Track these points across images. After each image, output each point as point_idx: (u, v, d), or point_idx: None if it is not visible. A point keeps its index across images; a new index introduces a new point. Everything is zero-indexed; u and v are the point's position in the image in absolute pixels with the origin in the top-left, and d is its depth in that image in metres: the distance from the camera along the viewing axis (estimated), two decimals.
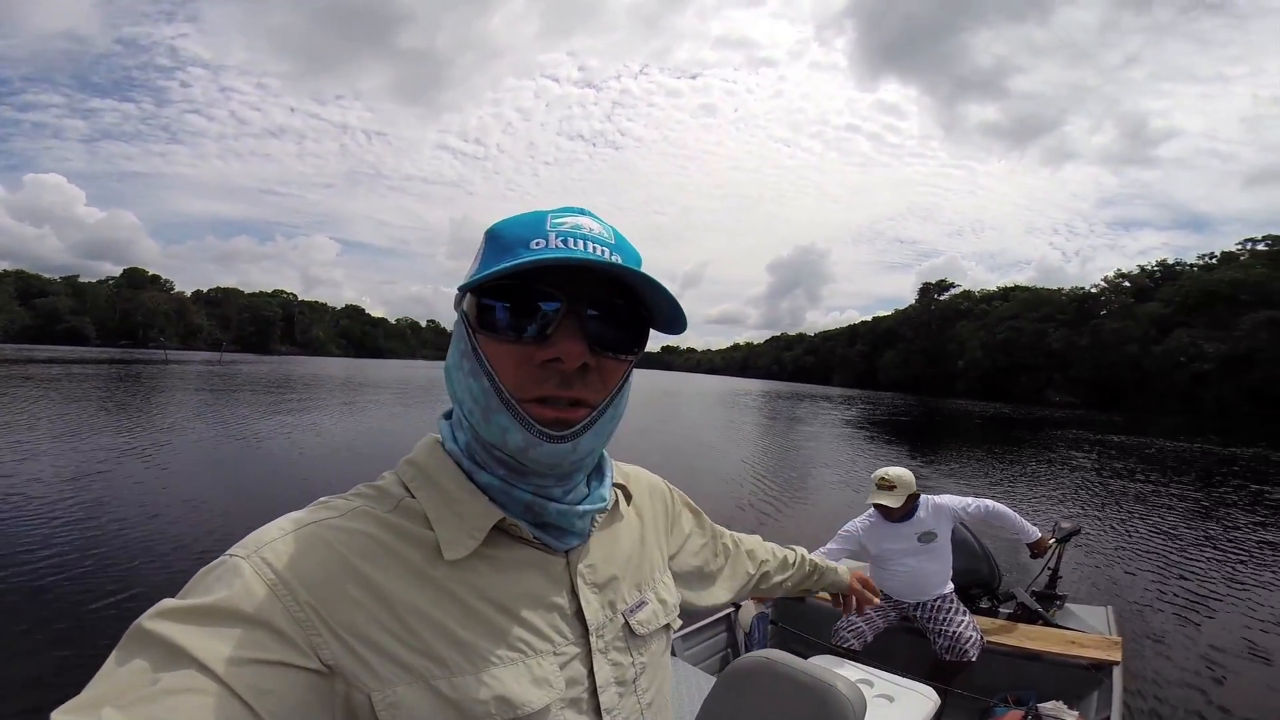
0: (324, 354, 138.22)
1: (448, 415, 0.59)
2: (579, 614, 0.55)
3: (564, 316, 0.49)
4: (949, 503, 3.03)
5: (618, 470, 0.67)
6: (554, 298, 0.49)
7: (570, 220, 0.52)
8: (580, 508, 0.55)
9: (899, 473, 2.99)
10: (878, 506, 2.97)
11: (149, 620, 0.41)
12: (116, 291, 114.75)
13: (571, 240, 0.50)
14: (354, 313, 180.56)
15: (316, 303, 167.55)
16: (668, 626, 0.65)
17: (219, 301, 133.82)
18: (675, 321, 0.54)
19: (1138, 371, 55.29)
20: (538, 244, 0.49)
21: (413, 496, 0.53)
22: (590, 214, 0.54)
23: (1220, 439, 23.74)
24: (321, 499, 0.53)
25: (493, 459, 0.53)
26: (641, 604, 0.62)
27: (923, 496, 3.04)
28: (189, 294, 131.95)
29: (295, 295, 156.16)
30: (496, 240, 0.52)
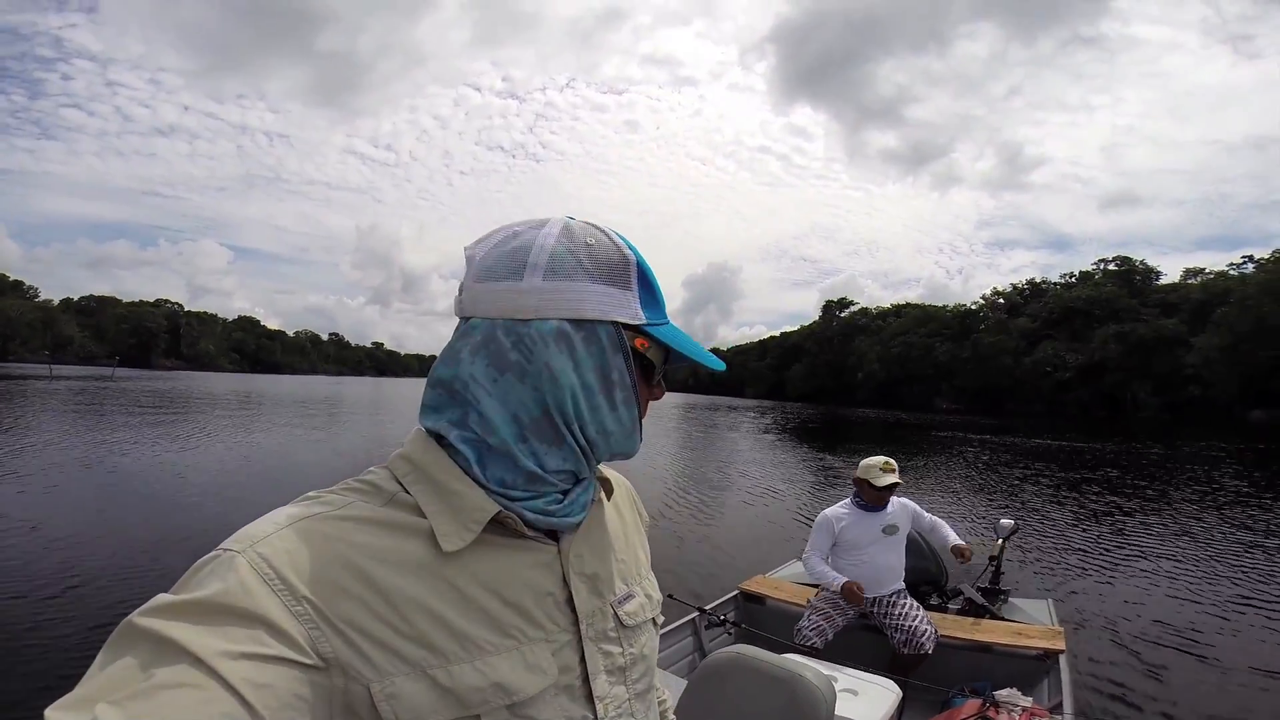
0: (214, 369, 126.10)
1: (431, 431, 0.57)
2: (570, 602, 0.56)
3: (661, 372, 0.62)
4: (911, 503, 3.24)
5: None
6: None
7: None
8: (583, 498, 0.59)
9: (891, 461, 3.17)
10: (879, 488, 3.08)
11: (142, 616, 0.41)
12: None
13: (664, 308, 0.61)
14: (247, 324, 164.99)
15: (205, 313, 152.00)
16: (655, 621, 0.67)
17: (92, 311, 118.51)
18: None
19: (1011, 380, 61.29)
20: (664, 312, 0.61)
21: (406, 491, 0.53)
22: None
23: (1080, 437, 26.67)
24: (311, 493, 0.53)
25: (529, 471, 0.55)
26: (629, 596, 0.63)
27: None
28: (56, 302, 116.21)
29: (180, 305, 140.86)
30: (650, 287, 0.59)
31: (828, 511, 3.25)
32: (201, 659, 0.39)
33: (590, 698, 0.55)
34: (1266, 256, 52.46)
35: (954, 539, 3.25)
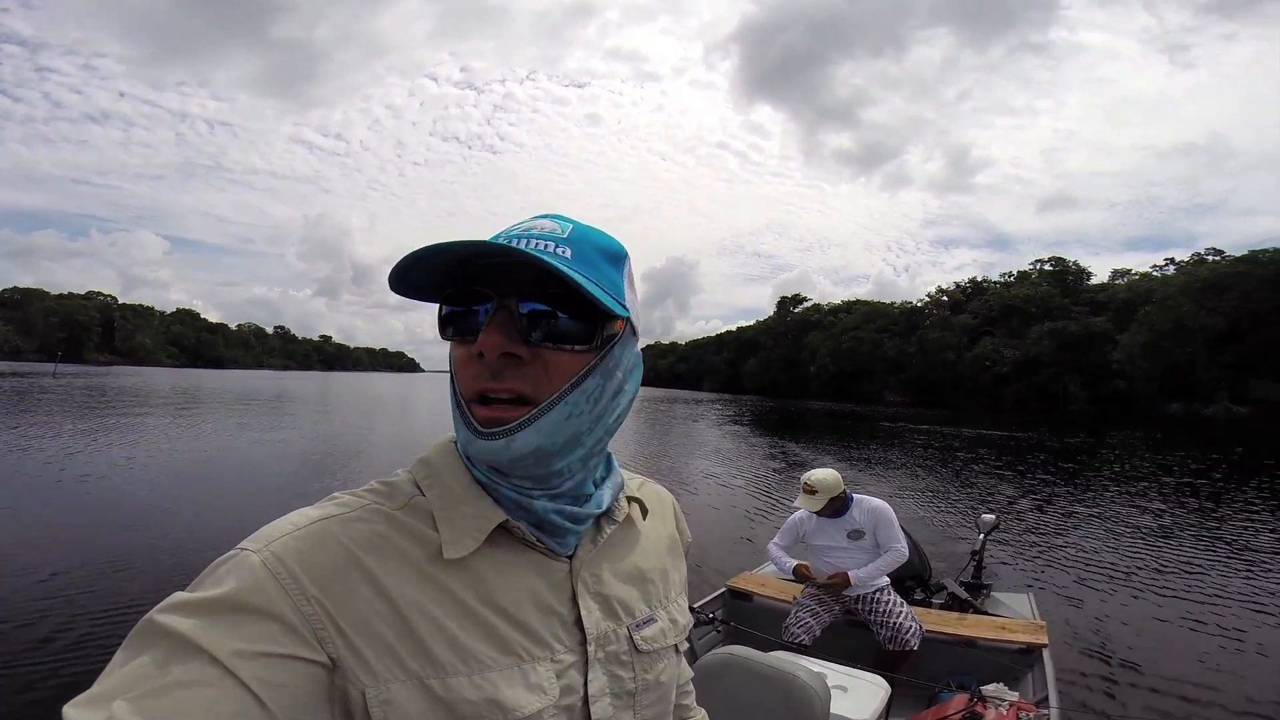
0: (152, 363, 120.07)
1: None
2: (579, 622, 0.55)
3: (495, 312, 0.50)
4: (883, 511, 3.15)
5: (633, 482, 0.67)
6: (487, 296, 0.51)
7: (527, 225, 0.53)
8: (569, 509, 0.55)
9: (821, 477, 3.12)
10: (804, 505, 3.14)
11: (159, 614, 0.42)
12: None
13: (518, 241, 0.51)
14: (187, 317, 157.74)
15: (140, 306, 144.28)
16: (677, 648, 0.64)
17: (17, 304, 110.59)
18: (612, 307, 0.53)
19: (953, 374, 63.84)
20: None
21: (423, 494, 0.53)
22: (556, 216, 0.55)
23: (1019, 428, 28.37)
24: (334, 494, 0.53)
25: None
26: (650, 620, 0.61)
27: (856, 497, 3.18)
28: None
29: (114, 297, 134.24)
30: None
31: (797, 513, 3.33)
32: (216, 657, 0.39)
33: None
34: (1187, 259, 56.53)
35: (866, 569, 3.07)
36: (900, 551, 3.11)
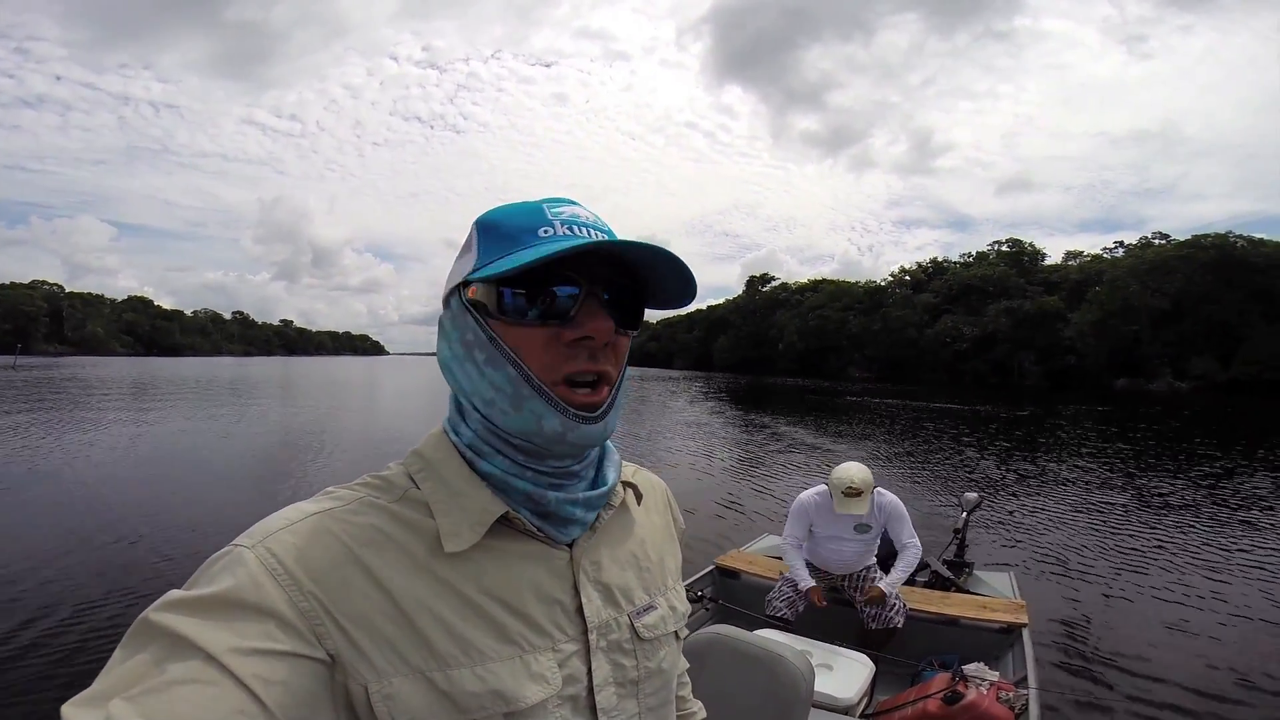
0: (105, 353, 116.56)
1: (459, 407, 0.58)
2: (581, 611, 0.55)
3: (586, 298, 0.52)
4: (896, 506, 3.10)
5: (627, 468, 0.67)
6: (575, 281, 0.52)
7: (567, 209, 0.54)
8: (581, 494, 0.56)
9: (864, 477, 2.97)
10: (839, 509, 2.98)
11: (155, 612, 0.42)
12: None
13: (576, 227, 0.53)
14: (139, 304, 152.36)
15: (90, 294, 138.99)
16: (678, 635, 0.65)
17: None
18: (683, 295, 0.57)
19: (915, 350, 65.48)
20: (546, 232, 0.52)
21: (418, 487, 0.53)
22: (578, 202, 0.56)
23: (977, 401, 29.57)
24: (328, 489, 0.53)
25: (509, 446, 0.53)
26: (650, 607, 0.61)
27: (876, 490, 3.08)
28: None
29: (60, 286, 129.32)
30: (496, 230, 0.54)
31: (803, 497, 3.21)
32: (213, 655, 0.39)
33: (595, 709, 0.54)
34: (1135, 242, 59.15)
35: (893, 574, 3.04)
36: (918, 548, 3.08)
